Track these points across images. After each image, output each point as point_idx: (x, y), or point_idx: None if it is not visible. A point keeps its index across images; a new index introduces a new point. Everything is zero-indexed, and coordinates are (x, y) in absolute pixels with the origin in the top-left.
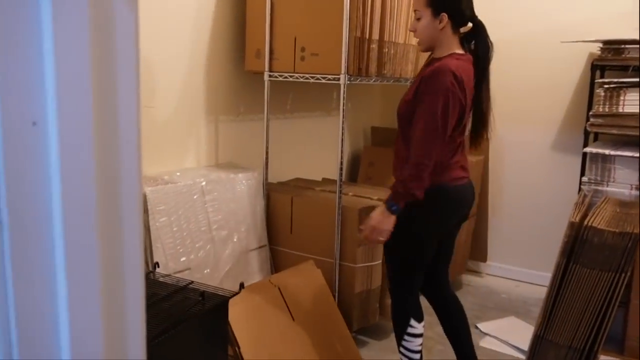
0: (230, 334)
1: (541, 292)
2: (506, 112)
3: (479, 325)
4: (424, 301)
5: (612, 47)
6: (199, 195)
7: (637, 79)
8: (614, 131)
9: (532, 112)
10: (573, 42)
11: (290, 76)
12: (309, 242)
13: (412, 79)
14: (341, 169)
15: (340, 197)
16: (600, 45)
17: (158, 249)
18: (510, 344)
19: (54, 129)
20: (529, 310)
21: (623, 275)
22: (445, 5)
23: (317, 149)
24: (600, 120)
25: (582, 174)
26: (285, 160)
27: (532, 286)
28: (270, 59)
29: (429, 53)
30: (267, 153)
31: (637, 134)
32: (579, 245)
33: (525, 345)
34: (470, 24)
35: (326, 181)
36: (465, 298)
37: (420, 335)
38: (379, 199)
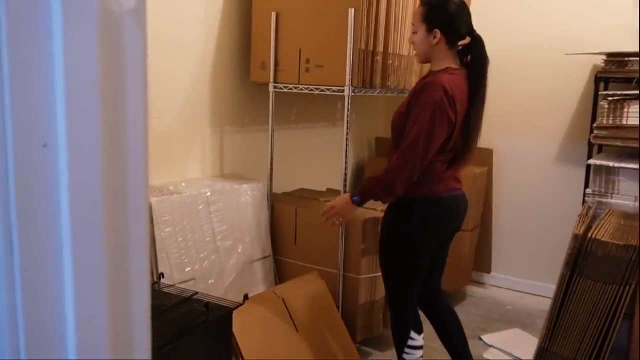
0: (235, 345)
1: (546, 304)
2: (510, 123)
3: (483, 337)
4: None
5: (616, 59)
6: (204, 205)
7: None
8: (618, 143)
9: (536, 124)
10: (577, 54)
11: (295, 88)
12: (313, 253)
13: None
14: (345, 180)
15: None
16: (604, 57)
17: (163, 259)
18: (514, 356)
19: (63, 151)
20: (534, 322)
21: (627, 288)
22: (439, 23)
23: (321, 159)
24: (604, 133)
25: (587, 186)
26: (290, 171)
27: (537, 298)
28: (276, 70)
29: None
30: (271, 164)
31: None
32: (583, 258)
33: (530, 357)
34: (468, 38)
35: (331, 192)
36: (470, 310)
37: (420, 348)
38: (382, 210)
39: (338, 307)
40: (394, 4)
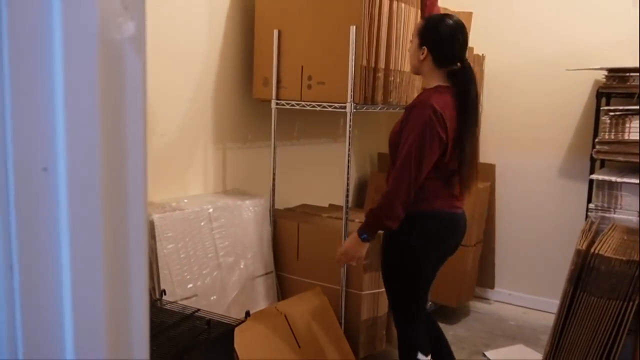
0: None
1: (550, 320)
2: (513, 138)
3: (487, 354)
4: None
5: (617, 74)
6: (206, 222)
7: None
8: (620, 158)
9: (538, 139)
10: (578, 69)
11: (297, 104)
12: (315, 268)
13: None
14: (347, 195)
15: (346, 224)
16: (605, 72)
17: (165, 275)
18: None
19: (63, 174)
20: (537, 338)
21: (631, 303)
22: (427, 42)
23: (323, 175)
24: (606, 148)
25: (589, 200)
26: (292, 186)
27: (540, 313)
28: (278, 87)
29: None
30: (274, 179)
31: None
32: (586, 273)
33: None
34: (459, 64)
35: (333, 207)
36: (474, 325)
37: None
38: None
39: (340, 323)
40: (395, 20)
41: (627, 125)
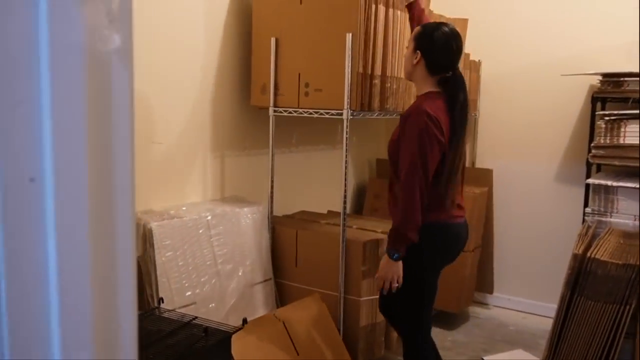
0: None
1: (548, 324)
2: (510, 143)
3: (486, 359)
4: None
5: (612, 79)
6: (204, 229)
7: (637, 111)
8: (616, 162)
9: (535, 144)
10: (573, 75)
11: (295, 111)
12: (314, 275)
13: None
14: (345, 202)
15: (344, 231)
16: (600, 77)
17: (164, 283)
18: None
19: (50, 185)
20: (536, 343)
21: (628, 307)
22: (421, 47)
23: (322, 181)
24: (601, 152)
25: (586, 205)
26: (290, 193)
27: (539, 318)
28: (275, 94)
29: None
30: (272, 187)
31: (639, 165)
32: (583, 277)
33: None
34: (450, 73)
35: (331, 214)
36: (473, 331)
37: None
38: (383, 232)
39: (339, 330)
40: (391, 27)
41: (623, 129)
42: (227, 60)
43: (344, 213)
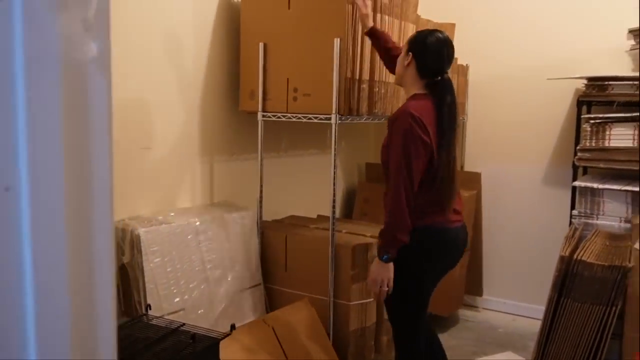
0: None
1: (538, 326)
2: (497, 147)
3: None
4: None
5: (597, 83)
6: (193, 235)
7: (622, 115)
8: (601, 165)
9: (521, 147)
10: (559, 78)
11: (283, 116)
12: (303, 280)
13: None
14: (334, 207)
15: (333, 235)
16: (585, 81)
17: (152, 289)
18: None
19: (26, 194)
20: (526, 345)
21: (614, 308)
22: (414, 49)
23: (312, 186)
24: (587, 155)
25: (573, 207)
26: (280, 198)
27: (528, 320)
28: (264, 99)
29: None
30: (261, 191)
31: (624, 167)
32: (570, 279)
33: None
34: (439, 77)
35: (321, 218)
36: (462, 334)
37: None
38: (372, 236)
39: (329, 334)
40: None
41: (608, 132)
42: (215, 65)
43: (333, 217)
